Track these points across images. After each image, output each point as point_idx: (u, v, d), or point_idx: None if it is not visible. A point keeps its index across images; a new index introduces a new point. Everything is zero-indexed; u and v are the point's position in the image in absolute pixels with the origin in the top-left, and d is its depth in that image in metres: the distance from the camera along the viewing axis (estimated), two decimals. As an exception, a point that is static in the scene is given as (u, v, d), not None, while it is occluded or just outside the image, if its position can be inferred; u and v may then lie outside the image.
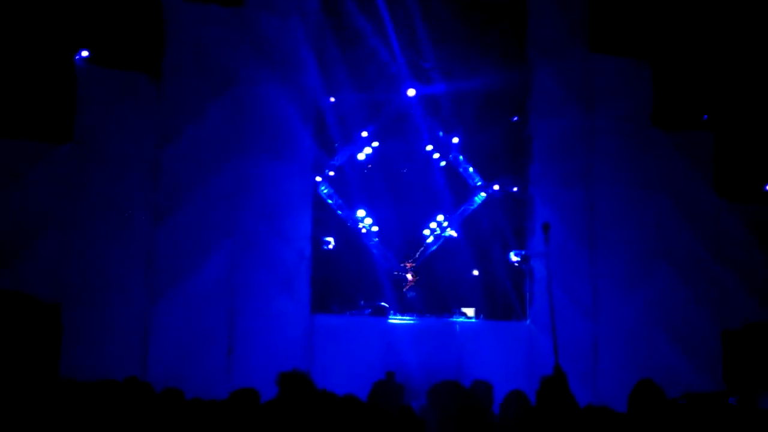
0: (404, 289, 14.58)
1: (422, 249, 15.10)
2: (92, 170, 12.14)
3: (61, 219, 11.94)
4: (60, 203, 11.95)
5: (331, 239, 13.95)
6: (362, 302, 13.86)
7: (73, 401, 5.21)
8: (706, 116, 14.57)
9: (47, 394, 5.60)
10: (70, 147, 12.23)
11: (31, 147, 12.07)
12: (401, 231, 14.78)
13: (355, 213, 14.52)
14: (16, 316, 11.72)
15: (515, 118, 14.61)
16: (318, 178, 13.93)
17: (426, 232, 15.09)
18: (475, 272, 14.92)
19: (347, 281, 14.18)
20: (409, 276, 14.74)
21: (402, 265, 14.83)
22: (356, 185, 14.48)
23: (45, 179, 11.99)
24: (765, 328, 13.56)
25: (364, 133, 14.53)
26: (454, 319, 13.71)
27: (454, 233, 14.99)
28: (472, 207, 15.00)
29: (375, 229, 14.66)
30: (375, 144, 14.69)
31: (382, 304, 13.75)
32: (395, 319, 13.49)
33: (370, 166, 14.50)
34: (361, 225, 14.56)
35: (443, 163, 15.07)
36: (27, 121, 12.13)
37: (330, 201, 14.41)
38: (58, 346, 11.52)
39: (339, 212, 14.50)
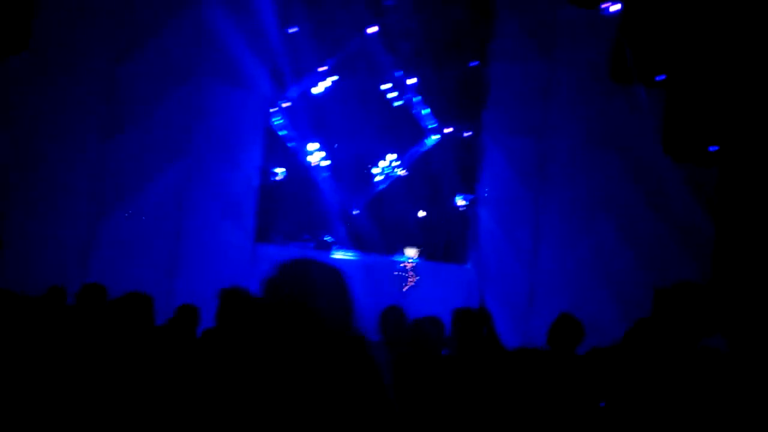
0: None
1: (371, 188, 15.14)
2: (45, 81, 12.01)
3: (7, 127, 11.82)
4: (8, 111, 11.82)
5: (280, 170, 13.97)
6: (307, 235, 13.95)
7: (6, 312, 5.22)
8: (660, 77, 14.72)
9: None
10: (24, 56, 12.09)
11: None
12: (352, 167, 14.79)
13: (306, 146, 14.50)
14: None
15: (474, 63, 14.65)
16: (272, 109, 13.96)
17: (376, 170, 15.12)
18: (422, 213, 15.04)
19: (294, 214, 14.24)
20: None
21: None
22: (310, 119, 14.44)
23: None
24: (696, 288, 13.84)
25: (322, 67, 14.50)
26: (397, 258, 13.90)
27: (403, 173, 15.04)
28: (423, 148, 15.09)
29: (326, 163, 14.66)
30: (332, 78, 14.66)
31: (326, 238, 13.86)
32: (338, 254, 13.63)
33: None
34: (311, 159, 14.54)
35: (398, 103, 15.08)
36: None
37: (282, 132, 14.39)
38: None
39: (290, 144, 14.47)
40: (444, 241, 14.62)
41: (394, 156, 15.08)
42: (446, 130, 14.87)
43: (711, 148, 14.58)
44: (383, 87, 14.99)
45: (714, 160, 14.56)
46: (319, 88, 14.59)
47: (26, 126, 11.93)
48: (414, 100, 15.00)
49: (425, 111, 15.04)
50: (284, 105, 14.33)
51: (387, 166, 15.05)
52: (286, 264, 2.20)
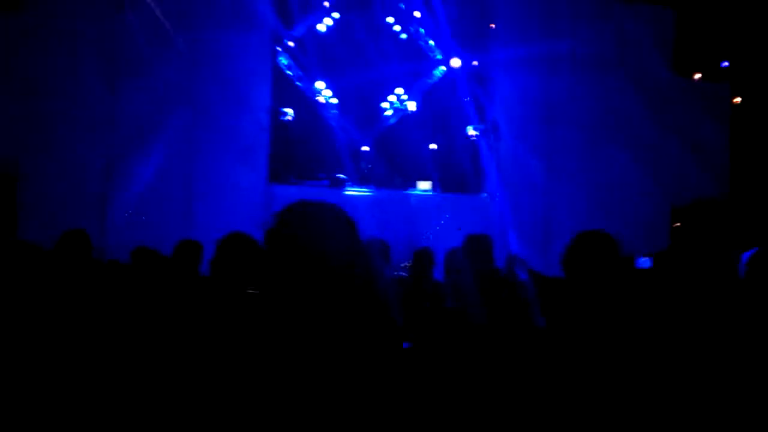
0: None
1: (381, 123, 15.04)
2: (44, 37, 11.92)
3: (12, 86, 11.81)
4: (14, 71, 11.80)
5: (289, 110, 13.92)
6: (320, 174, 13.94)
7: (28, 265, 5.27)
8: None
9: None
10: (21, 15, 12.02)
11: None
12: (361, 103, 14.69)
13: (314, 84, 14.39)
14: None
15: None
16: (278, 49, 13.87)
17: (385, 104, 15.01)
18: (433, 146, 14.95)
19: (305, 152, 14.22)
20: None
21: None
22: (316, 56, 14.32)
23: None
24: (712, 204, 13.89)
25: (326, 3, 14.35)
26: (410, 192, 13.90)
27: (413, 106, 14.91)
28: (431, 80, 14.96)
29: (334, 101, 14.56)
30: (335, 15, 14.51)
31: (340, 175, 13.84)
32: (352, 191, 13.64)
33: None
34: (320, 97, 14.44)
35: (404, 36, 14.92)
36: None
37: (289, 72, 14.29)
38: (15, 214, 11.61)
39: (298, 83, 14.38)
40: (457, 172, 14.57)
41: (402, 90, 14.94)
42: (454, 61, 14.71)
43: (723, 64, 14.45)
44: (388, 20, 14.82)
45: (726, 75, 14.45)
46: (324, 25, 14.44)
47: (31, 84, 11.87)
48: (420, 31, 14.82)
49: (432, 42, 14.88)
50: (290, 44, 14.19)
51: (396, 100, 14.93)
52: (286, 210, 2.14)
